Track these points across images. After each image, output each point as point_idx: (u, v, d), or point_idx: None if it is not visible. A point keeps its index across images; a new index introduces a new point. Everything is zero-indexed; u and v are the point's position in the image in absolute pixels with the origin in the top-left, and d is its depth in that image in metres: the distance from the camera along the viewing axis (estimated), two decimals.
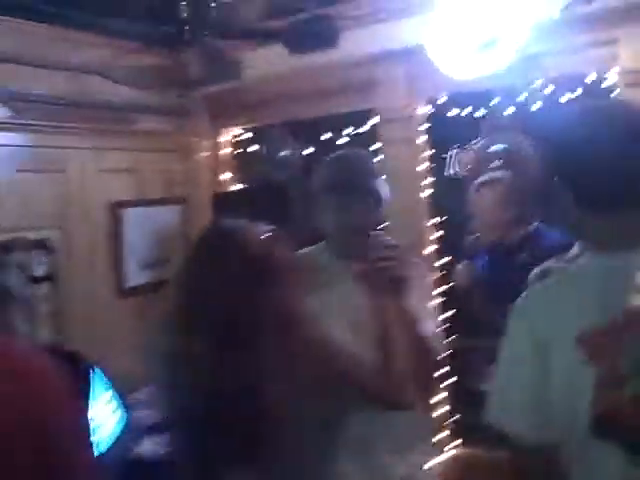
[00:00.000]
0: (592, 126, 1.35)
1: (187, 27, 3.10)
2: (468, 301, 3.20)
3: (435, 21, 3.29)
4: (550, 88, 3.74)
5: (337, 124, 4.18)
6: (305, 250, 2.41)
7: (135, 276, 4.14)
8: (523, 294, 1.45)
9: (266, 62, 3.88)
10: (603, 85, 3.60)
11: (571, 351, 1.32)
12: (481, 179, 3.11)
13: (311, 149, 4.36)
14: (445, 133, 4.01)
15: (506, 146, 3.44)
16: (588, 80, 3.65)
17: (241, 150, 4.60)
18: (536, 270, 2.02)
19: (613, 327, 1.30)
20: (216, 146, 4.67)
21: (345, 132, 4.18)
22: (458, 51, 3.21)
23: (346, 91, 4.01)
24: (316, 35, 3.48)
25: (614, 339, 1.30)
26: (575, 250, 1.80)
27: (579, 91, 3.70)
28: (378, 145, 4.02)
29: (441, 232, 3.97)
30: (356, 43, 3.76)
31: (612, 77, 3.54)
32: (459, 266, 3.29)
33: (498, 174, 3.09)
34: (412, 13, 3.54)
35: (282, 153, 4.30)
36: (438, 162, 4.09)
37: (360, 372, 1.70)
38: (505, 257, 3.03)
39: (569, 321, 1.34)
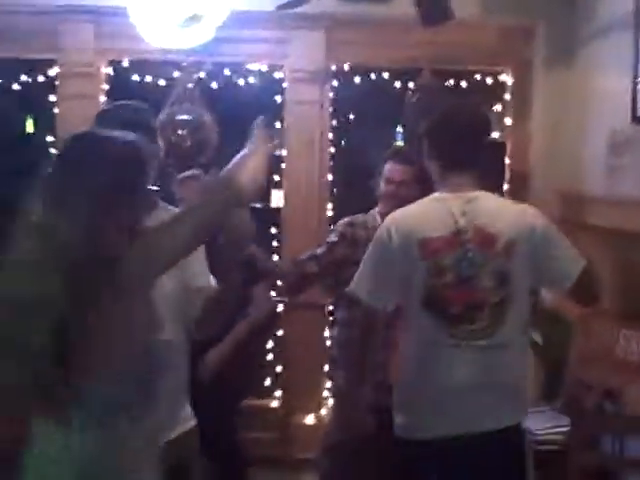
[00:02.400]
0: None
1: None
2: None
3: None
4: (227, 71, 4.10)
5: (13, 70, 4.05)
6: None
7: None
8: (397, 214, 2.20)
9: None
10: (274, 76, 4.07)
11: (415, 250, 2.06)
12: (184, 175, 3.32)
13: None
14: (125, 96, 4.11)
15: (191, 117, 3.74)
16: (262, 70, 4.08)
17: None
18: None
19: (441, 238, 2.06)
20: None
21: (20, 79, 4.07)
22: (161, 21, 3.39)
23: (27, 38, 3.89)
24: None
25: (441, 245, 2.05)
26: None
27: (252, 79, 4.12)
28: (54, 98, 4.01)
29: None
30: None
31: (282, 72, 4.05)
32: None
33: (196, 172, 3.33)
34: None
35: None
36: None
37: None
38: None
39: (420, 230, 2.08)
